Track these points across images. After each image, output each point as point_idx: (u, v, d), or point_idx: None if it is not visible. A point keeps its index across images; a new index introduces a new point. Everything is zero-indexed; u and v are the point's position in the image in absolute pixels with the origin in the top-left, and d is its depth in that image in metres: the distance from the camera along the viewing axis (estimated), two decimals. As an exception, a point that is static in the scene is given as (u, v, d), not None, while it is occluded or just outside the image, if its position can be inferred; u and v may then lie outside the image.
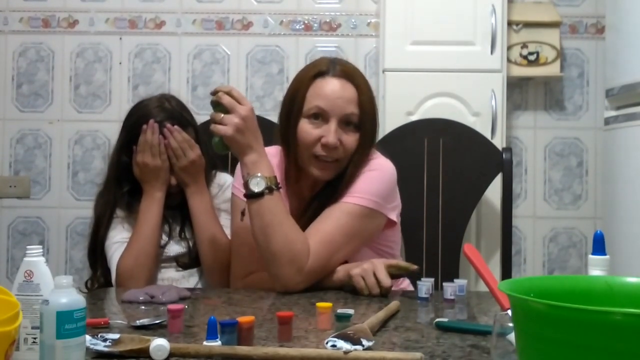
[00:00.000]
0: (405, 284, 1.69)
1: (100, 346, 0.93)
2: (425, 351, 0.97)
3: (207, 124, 1.64)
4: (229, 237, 1.69)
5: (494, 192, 2.28)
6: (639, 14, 2.07)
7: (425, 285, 1.40)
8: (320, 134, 1.53)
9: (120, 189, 1.74)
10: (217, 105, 1.45)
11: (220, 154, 1.59)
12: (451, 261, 2.07)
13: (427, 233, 2.10)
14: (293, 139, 1.56)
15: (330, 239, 1.49)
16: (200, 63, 2.83)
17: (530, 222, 2.82)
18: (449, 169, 2.14)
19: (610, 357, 0.61)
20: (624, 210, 2.14)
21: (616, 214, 2.20)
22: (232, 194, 1.64)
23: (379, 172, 1.58)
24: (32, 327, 0.90)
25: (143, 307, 1.31)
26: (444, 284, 1.42)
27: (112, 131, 2.70)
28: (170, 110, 1.72)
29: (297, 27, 2.82)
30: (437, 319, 1.15)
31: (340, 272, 1.52)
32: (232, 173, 1.76)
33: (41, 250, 0.94)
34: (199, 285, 1.75)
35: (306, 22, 2.82)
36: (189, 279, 1.75)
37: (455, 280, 1.45)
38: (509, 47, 2.60)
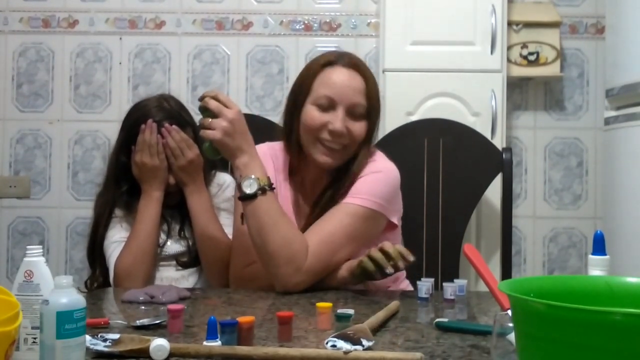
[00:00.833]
0: (405, 284, 1.69)
1: (100, 346, 0.93)
2: (425, 351, 0.97)
3: (206, 124, 1.63)
4: (229, 236, 1.69)
5: (494, 192, 2.27)
6: (639, 14, 2.07)
7: (425, 285, 1.40)
8: (326, 120, 1.53)
9: (119, 188, 1.74)
10: (205, 111, 1.45)
11: (212, 159, 1.58)
12: (451, 261, 2.07)
13: (427, 233, 2.10)
14: (297, 124, 1.56)
15: (331, 238, 1.49)
16: (200, 63, 2.83)
17: (530, 222, 2.82)
18: (449, 169, 2.14)
19: (610, 357, 0.61)
20: (624, 210, 2.14)
21: (616, 214, 2.20)
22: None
23: (384, 174, 1.59)
24: (32, 327, 0.90)
25: (143, 307, 1.31)
26: (444, 284, 1.42)
27: (112, 131, 2.69)
28: (168, 110, 1.72)
29: (297, 27, 2.82)
30: (437, 319, 1.15)
31: (343, 269, 1.52)
32: (232, 173, 1.76)
33: (41, 250, 0.94)
34: (199, 284, 1.75)
35: (306, 22, 2.82)
36: (189, 278, 1.75)
37: (455, 280, 1.45)
38: (509, 47, 2.60)
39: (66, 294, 0.85)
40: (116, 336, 0.97)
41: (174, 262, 1.75)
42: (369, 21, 2.81)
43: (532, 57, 2.66)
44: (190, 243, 1.75)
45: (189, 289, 1.49)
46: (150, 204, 1.68)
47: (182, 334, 1.07)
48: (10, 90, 2.83)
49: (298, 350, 0.93)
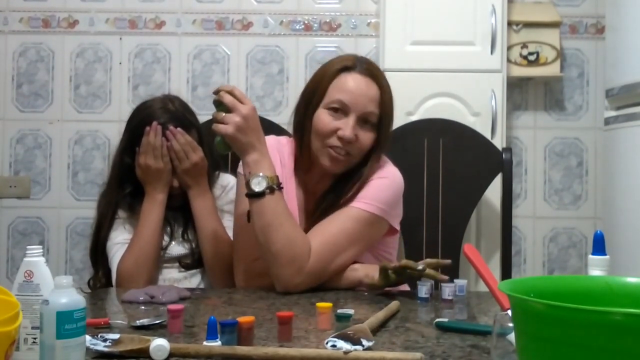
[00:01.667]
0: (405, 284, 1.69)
1: (100, 346, 0.94)
2: (425, 351, 0.97)
3: (207, 124, 1.64)
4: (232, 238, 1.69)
5: (494, 192, 2.27)
6: (639, 14, 2.07)
7: (425, 285, 1.40)
8: (337, 126, 1.53)
9: (123, 190, 1.74)
10: (219, 105, 1.45)
11: (223, 154, 1.58)
12: (451, 261, 2.07)
13: (427, 233, 2.10)
14: (309, 126, 1.56)
15: (334, 241, 1.50)
16: (200, 63, 2.83)
17: (530, 222, 2.82)
18: (449, 169, 2.14)
19: (610, 357, 0.61)
20: (624, 210, 2.14)
21: (616, 214, 2.20)
22: (238, 173, 1.62)
23: (390, 180, 1.59)
24: (32, 327, 0.90)
25: (143, 307, 1.31)
26: (442, 284, 1.42)
27: (112, 131, 2.71)
28: (173, 112, 1.72)
29: (297, 27, 2.82)
30: (437, 319, 1.15)
31: (360, 270, 1.52)
32: (234, 174, 1.76)
33: (41, 250, 0.94)
34: (202, 286, 1.75)
35: (306, 22, 2.82)
36: (192, 280, 1.75)
37: (455, 280, 1.45)
38: (509, 47, 2.60)
39: (66, 294, 0.85)
40: (116, 336, 0.97)
41: (177, 264, 1.75)
42: (369, 21, 2.81)
43: (532, 57, 2.66)
44: (194, 245, 1.75)
45: (189, 289, 1.49)
46: (154, 207, 1.68)
47: (182, 334, 1.07)
48: (10, 90, 2.83)
49: (298, 350, 0.93)
